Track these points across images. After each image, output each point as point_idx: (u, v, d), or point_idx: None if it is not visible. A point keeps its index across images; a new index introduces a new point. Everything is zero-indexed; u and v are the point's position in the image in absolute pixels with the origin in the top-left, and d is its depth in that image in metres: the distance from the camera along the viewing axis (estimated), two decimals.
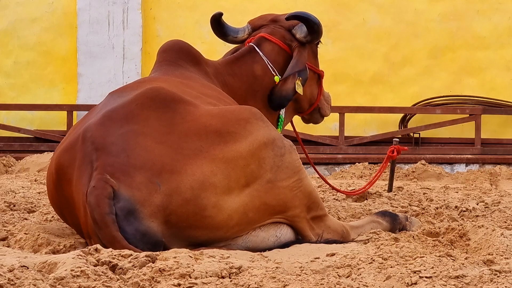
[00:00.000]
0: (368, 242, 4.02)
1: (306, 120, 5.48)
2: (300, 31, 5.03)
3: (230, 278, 3.13)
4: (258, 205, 3.74)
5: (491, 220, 4.90)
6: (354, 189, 6.29)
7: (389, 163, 6.32)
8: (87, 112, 10.93)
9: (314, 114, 5.39)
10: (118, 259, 3.23)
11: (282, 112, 5.04)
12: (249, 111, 3.88)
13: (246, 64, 4.99)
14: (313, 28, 4.96)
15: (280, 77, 4.95)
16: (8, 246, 3.96)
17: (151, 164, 3.59)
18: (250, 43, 5.06)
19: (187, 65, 4.65)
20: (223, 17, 5.16)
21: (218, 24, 5.16)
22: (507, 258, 3.52)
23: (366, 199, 5.90)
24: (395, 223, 4.46)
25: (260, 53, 5.00)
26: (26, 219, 4.63)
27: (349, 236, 4.15)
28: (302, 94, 4.97)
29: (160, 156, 3.61)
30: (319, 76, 5.28)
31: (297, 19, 5.00)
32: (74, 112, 9.84)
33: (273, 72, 4.98)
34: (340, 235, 4.10)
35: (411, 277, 3.10)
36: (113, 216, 3.50)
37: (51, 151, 9.05)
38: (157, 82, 4.13)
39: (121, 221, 3.51)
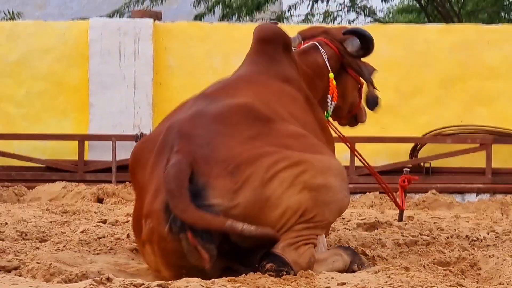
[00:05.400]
0: (379, 271, 4.02)
1: (343, 124, 5.68)
2: (352, 45, 5.28)
3: None
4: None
5: (502, 249, 4.88)
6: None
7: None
8: (98, 141, 10.83)
9: (350, 120, 5.63)
10: None
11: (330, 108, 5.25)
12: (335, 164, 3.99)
13: (311, 55, 5.19)
14: (367, 44, 5.24)
15: (333, 74, 5.19)
16: (20, 275, 3.96)
17: (231, 160, 3.65)
18: (313, 42, 5.26)
19: (283, 59, 4.77)
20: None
21: None
22: None
23: (377, 229, 5.89)
24: (355, 257, 4.44)
25: (321, 50, 5.21)
26: (38, 248, 4.65)
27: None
28: None
29: (240, 153, 3.69)
30: (360, 86, 5.53)
31: (353, 34, 5.27)
32: (85, 141, 9.89)
33: (329, 69, 5.17)
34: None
35: None
36: (188, 191, 3.53)
37: (62, 180, 9.08)
38: (250, 93, 4.22)
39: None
